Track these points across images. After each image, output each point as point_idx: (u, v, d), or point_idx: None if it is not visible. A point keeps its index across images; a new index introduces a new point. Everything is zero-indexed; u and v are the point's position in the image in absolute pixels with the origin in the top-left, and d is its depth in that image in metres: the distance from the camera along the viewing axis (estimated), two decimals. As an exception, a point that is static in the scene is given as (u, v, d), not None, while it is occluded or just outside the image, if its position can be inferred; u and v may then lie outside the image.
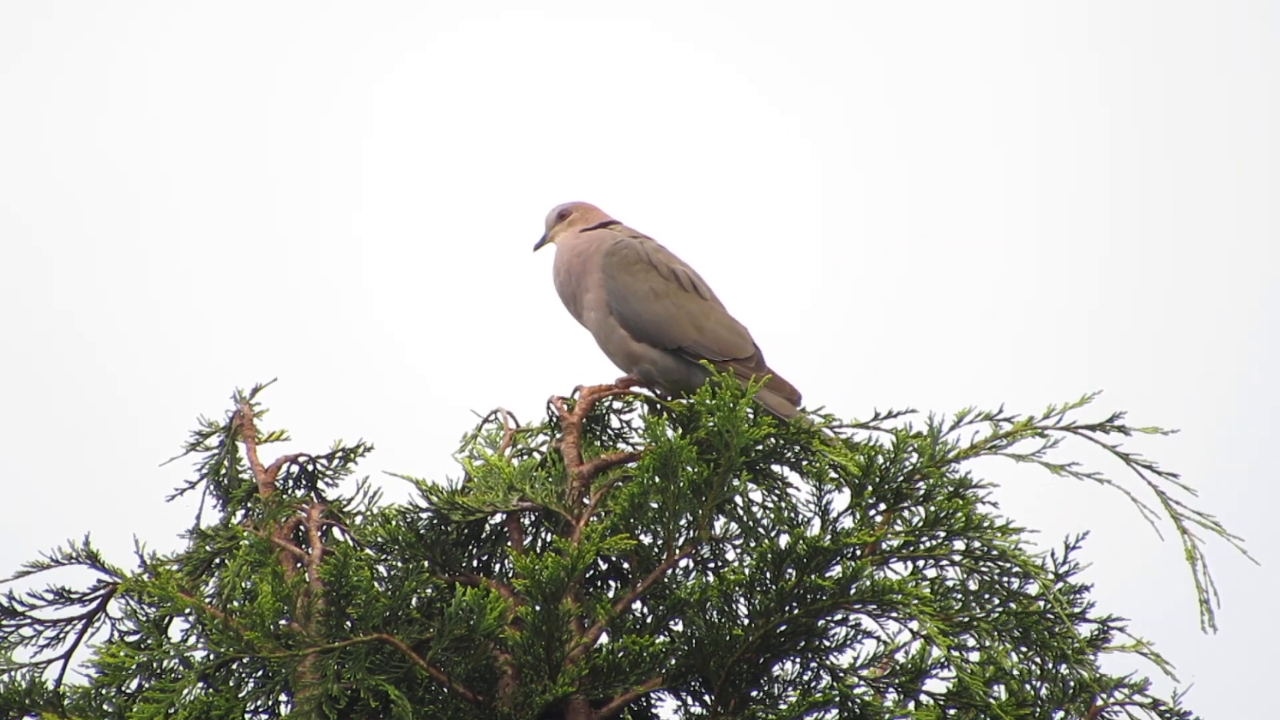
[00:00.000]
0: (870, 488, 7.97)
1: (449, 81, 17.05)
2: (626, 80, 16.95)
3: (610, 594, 8.29)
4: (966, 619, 7.84)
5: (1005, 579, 7.90)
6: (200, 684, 7.78)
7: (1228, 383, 15.33)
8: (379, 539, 8.14)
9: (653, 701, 8.11)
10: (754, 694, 7.91)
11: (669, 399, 8.75)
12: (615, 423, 8.83)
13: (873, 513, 7.99)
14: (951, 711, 7.93)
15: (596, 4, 17.22)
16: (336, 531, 8.40)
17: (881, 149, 16.95)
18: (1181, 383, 15.31)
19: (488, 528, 8.33)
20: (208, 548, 8.45)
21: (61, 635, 8.35)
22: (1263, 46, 16.70)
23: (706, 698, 7.94)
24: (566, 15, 17.19)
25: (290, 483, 8.70)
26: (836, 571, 7.77)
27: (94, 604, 8.34)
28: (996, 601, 7.89)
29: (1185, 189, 16.66)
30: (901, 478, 7.98)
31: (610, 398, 8.78)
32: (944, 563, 7.92)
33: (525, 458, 8.61)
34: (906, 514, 8.00)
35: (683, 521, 7.94)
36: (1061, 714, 7.93)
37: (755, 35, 17.18)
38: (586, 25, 17.15)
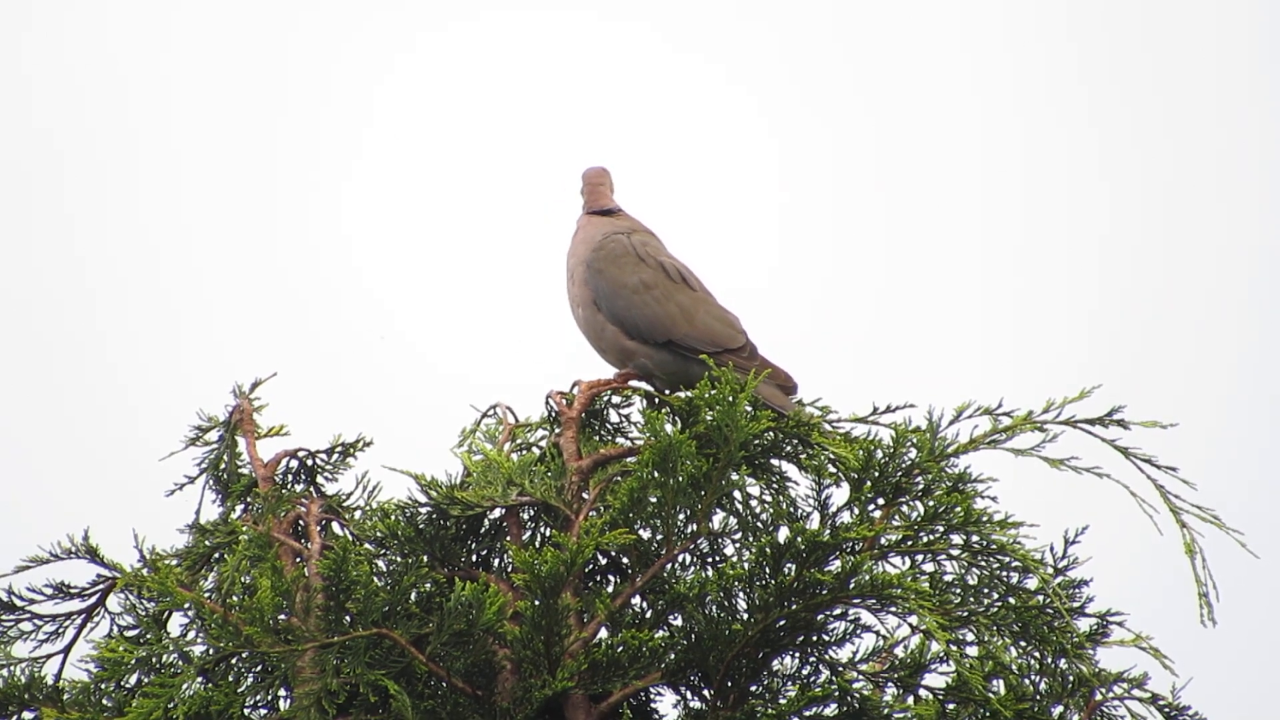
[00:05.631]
0: (869, 482, 7.98)
1: (443, 76, 17.05)
2: (614, 76, 16.95)
3: (609, 589, 8.30)
4: (965, 613, 7.84)
5: (1004, 573, 7.90)
6: (199, 679, 7.78)
7: (1227, 376, 15.34)
8: (378, 534, 8.15)
9: (652, 696, 8.12)
10: (753, 688, 7.91)
11: (668, 393, 8.75)
12: (614, 417, 8.84)
13: (872, 507, 7.99)
14: (950, 706, 7.93)
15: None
16: (336, 526, 8.40)
17: (875, 139, 16.95)
18: (1180, 377, 15.32)
19: (487, 522, 8.34)
20: (207, 542, 8.46)
21: (61, 630, 8.36)
22: (1254, 33, 16.70)
23: (706, 692, 7.94)
24: (553, 10, 17.20)
25: (289, 477, 8.71)
26: (835, 566, 7.77)
27: (93, 599, 8.35)
28: (995, 596, 7.89)
29: (1184, 181, 16.66)
30: (900, 472, 7.99)
31: (609, 392, 8.79)
32: (943, 557, 7.93)
33: (524, 452, 8.62)
34: (905, 508, 8.01)
35: (682, 516, 7.94)
36: (1060, 708, 7.94)
37: (743, 32, 17.18)
38: (572, 20, 17.16)
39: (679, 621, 7.96)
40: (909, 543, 7.92)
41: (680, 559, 8.08)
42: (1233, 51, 16.81)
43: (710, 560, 8.33)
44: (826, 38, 17.27)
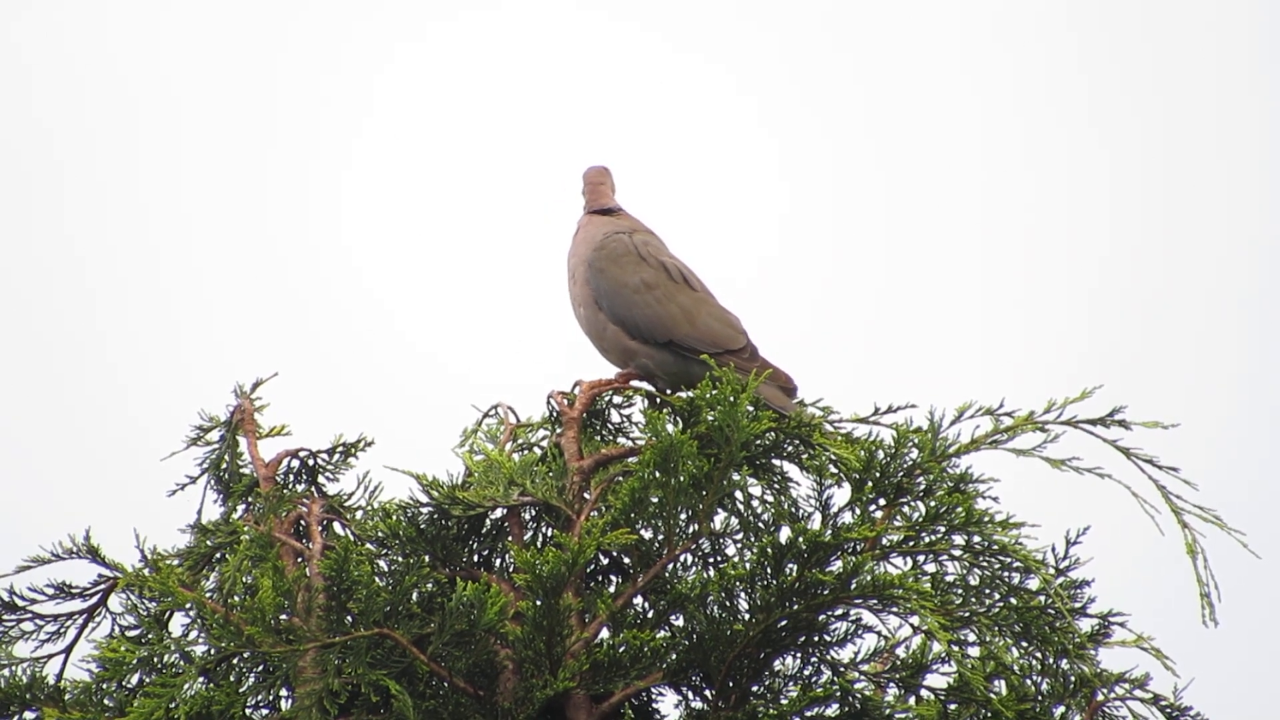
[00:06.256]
0: (871, 483, 7.97)
1: (442, 74, 17.05)
2: (613, 76, 16.95)
3: (611, 589, 8.30)
4: (967, 614, 7.84)
5: (1006, 574, 7.90)
6: (201, 679, 7.78)
7: (1228, 376, 15.34)
8: (380, 534, 8.15)
9: (653, 696, 8.11)
10: (755, 689, 7.91)
11: (669, 393, 8.75)
12: (615, 417, 8.84)
13: (873, 508, 7.99)
14: (952, 707, 7.93)
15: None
16: (337, 526, 8.40)
17: (876, 139, 16.95)
18: (1182, 377, 15.32)
19: (488, 523, 8.34)
20: (208, 542, 8.46)
21: (62, 630, 8.36)
22: (1254, 33, 16.70)
23: (707, 692, 7.94)
24: (551, 8, 17.21)
25: (291, 477, 8.71)
26: (837, 566, 7.77)
27: (95, 599, 8.35)
28: (997, 596, 7.89)
29: (1185, 181, 16.66)
30: (902, 473, 7.98)
31: (610, 392, 8.79)
32: (944, 558, 7.93)
33: (526, 452, 8.61)
34: (907, 509, 8.00)
35: (683, 516, 7.94)
36: (1062, 709, 7.94)
37: (744, 32, 17.17)
38: (571, 18, 17.17)
39: (680, 622, 7.96)
40: (910, 543, 7.92)
41: (682, 559, 8.08)
42: (1233, 51, 16.81)
43: (712, 560, 8.33)
44: (826, 38, 17.27)
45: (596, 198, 9.28)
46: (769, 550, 7.76)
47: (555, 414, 8.68)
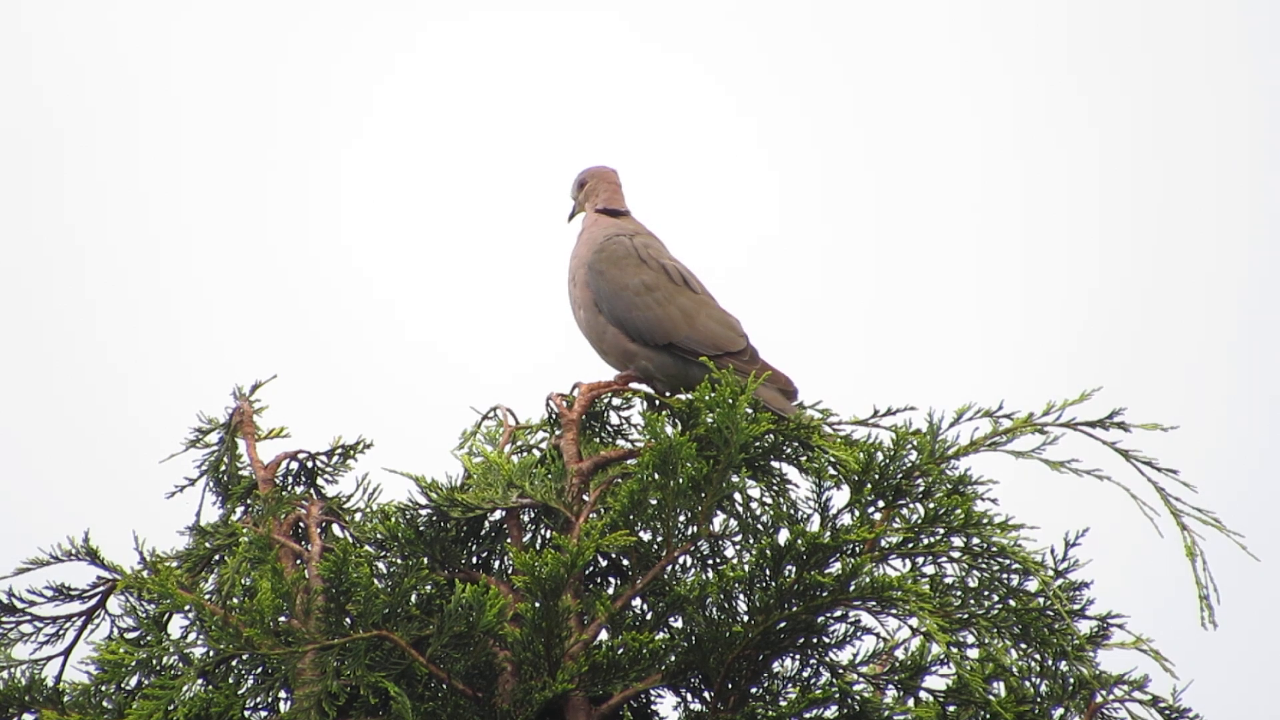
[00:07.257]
0: (870, 484, 7.97)
1: (443, 76, 17.06)
2: (611, 79, 16.96)
3: (610, 590, 8.30)
4: (966, 615, 7.84)
5: (1005, 575, 7.90)
6: (200, 681, 7.78)
7: (1227, 379, 15.34)
8: (378, 536, 8.14)
9: (652, 698, 8.11)
10: (754, 690, 7.91)
11: (668, 395, 8.75)
12: (615, 419, 8.84)
13: (872, 509, 7.99)
14: (951, 708, 7.93)
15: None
16: (336, 528, 8.40)
17: (872, 141, 16.95)
18: (1180, 378, 15.32)
19: (487, 524, 8.34)
20: (207, 544, 8.46)
21: (61, 632, 8.36)
22: (1252, 33, 16.70)
23: (706, 694, 7.94)
24: (550, 9, 17.23)
25: (290, 479, 8.71)
26: (836, 568, 7.77)
27: (94, 601, 8.35)
28: (996, 598, 7.89)
29: (1183, 182, 16.66)
30: (901, 474, 7.98)
31: (609, 394, 8.78)
32: (943, 559, 7.93)
33: (525, 454, 8.61)
34: (906, 511, 8.00)
35: (682, 518, 7.94)
36: (1061, 711, 7.94)
37: (740, 37, 17.18)
38: (560, 18, 17.18)
39: (679, 623, 7.96)
40: (909, 545, 7.92)
41: (681, 561, 8.08)
42: (1229, 52, 16.81)
43: (711, 562, 8.33)
44: (822, 43, 17.27)
45: (612, 198, 9.27)
46: (768, 552, 7.76)
47: (554, 416, 8.68)
